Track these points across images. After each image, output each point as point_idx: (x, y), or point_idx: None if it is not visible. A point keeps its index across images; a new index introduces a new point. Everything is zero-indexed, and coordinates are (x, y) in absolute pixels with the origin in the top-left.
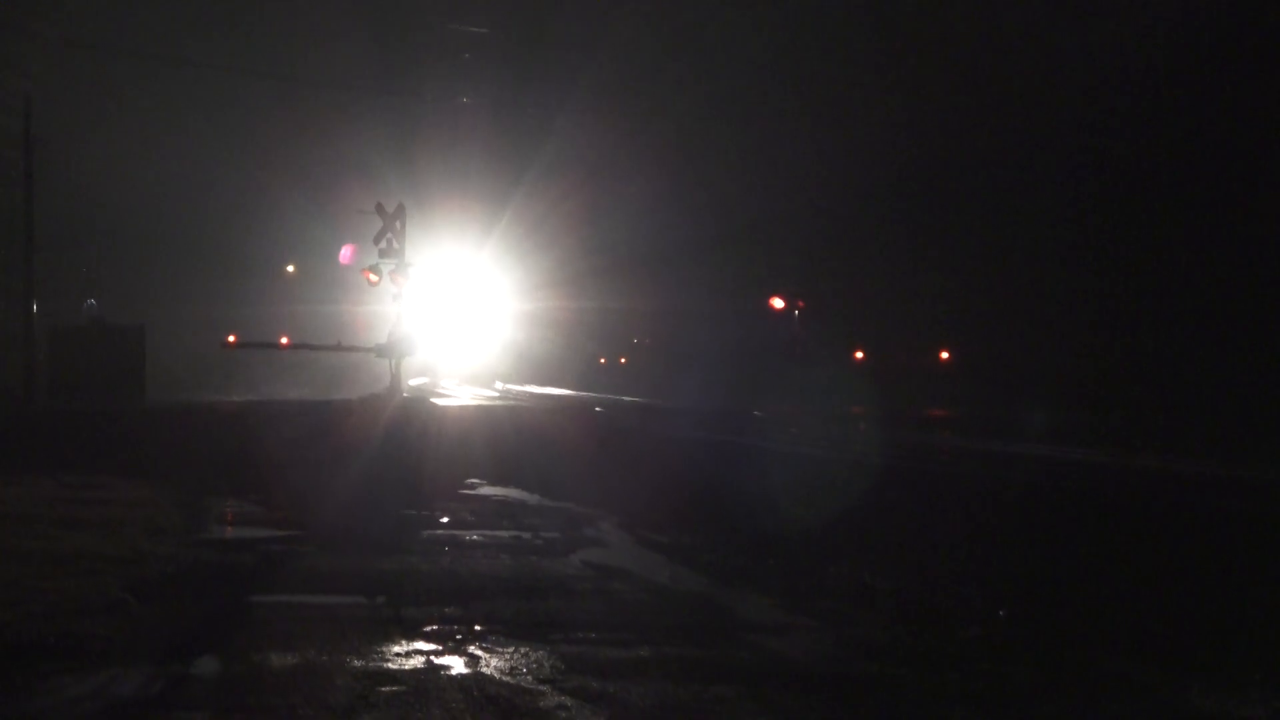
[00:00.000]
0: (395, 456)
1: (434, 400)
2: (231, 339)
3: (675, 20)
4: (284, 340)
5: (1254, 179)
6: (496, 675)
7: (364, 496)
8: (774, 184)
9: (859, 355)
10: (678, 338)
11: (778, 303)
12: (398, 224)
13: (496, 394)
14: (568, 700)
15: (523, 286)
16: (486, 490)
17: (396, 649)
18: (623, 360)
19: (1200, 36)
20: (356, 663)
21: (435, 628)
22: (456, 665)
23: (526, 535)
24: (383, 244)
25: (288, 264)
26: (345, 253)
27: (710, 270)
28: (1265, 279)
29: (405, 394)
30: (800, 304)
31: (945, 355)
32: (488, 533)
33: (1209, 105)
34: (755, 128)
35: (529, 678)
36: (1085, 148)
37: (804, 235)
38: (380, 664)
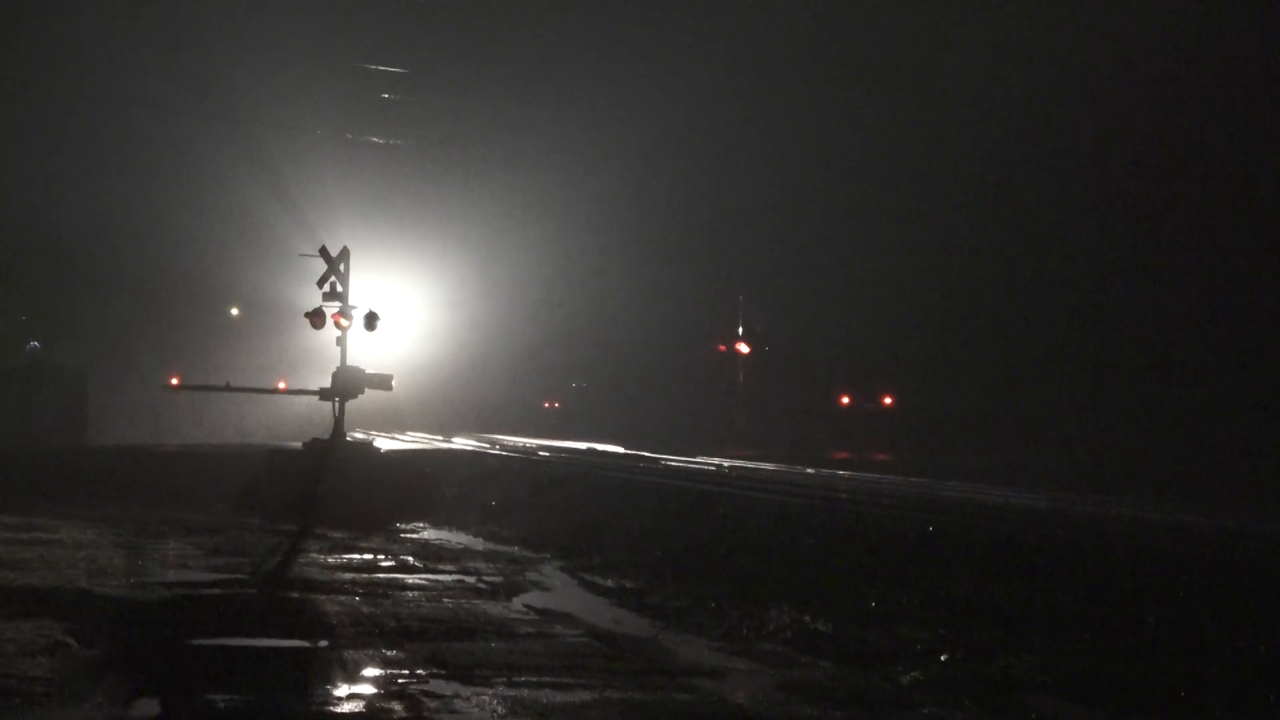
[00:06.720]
0: (337, 500)
1: (377, 445)
2: (174, 381)
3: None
4: (227, 383)
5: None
6: (437, 719)
7: (304, 539)
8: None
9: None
10: (622, 382)
11: (737, 347)
12: (341, 267)
13: (445, 440)
14: None
15: (469, 325)
16: (429, 534)
17: (338, 692)
18: (557, 404)
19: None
20: (298, 706)
21: (377, 671)
22: (397, 708)
23: (470, 579)
24: (327, 287)
25: (231, 306)
26: None
27: (656, 315)
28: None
29: (349, 438)
30: (746, 349)
31: (889, 401)
32: (430, 576)
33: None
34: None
35: None
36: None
37: (751, 281)
38: (322, 707)
